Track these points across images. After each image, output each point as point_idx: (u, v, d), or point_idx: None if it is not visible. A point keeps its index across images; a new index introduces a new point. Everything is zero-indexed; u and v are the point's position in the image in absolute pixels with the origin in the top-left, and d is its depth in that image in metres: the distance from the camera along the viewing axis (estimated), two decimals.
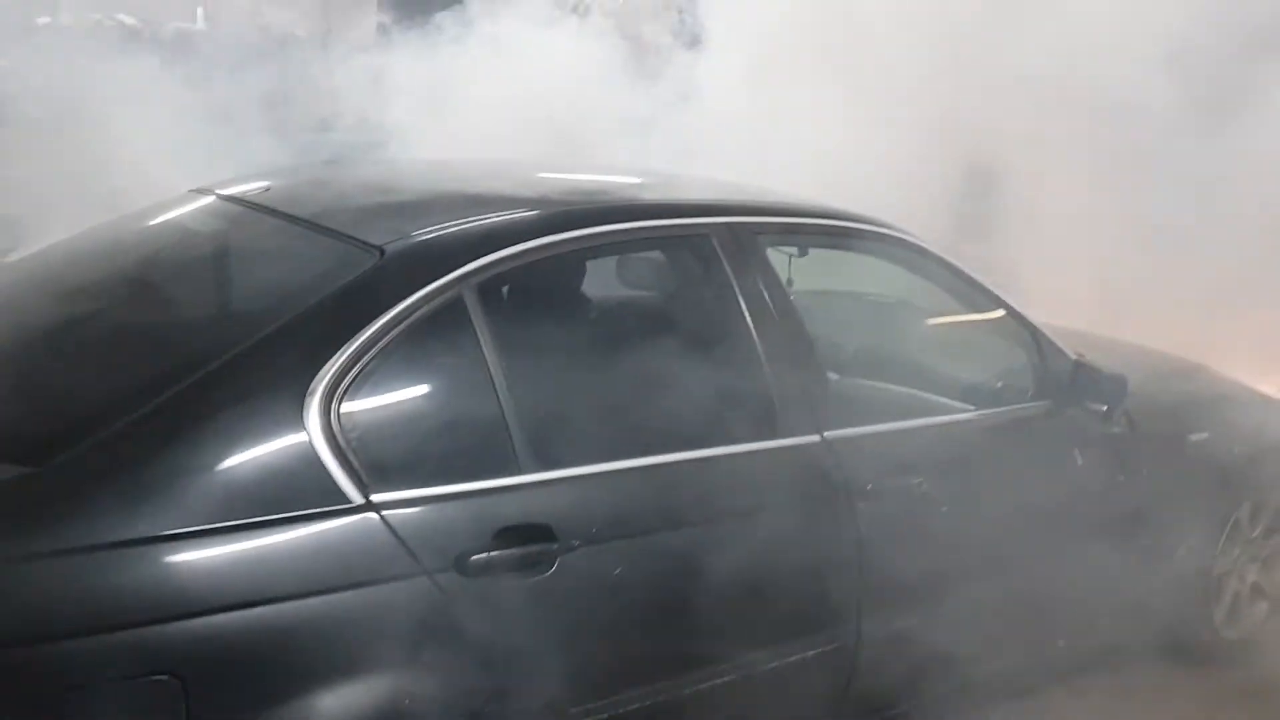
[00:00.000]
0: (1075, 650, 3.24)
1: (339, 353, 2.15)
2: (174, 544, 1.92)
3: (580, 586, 2.27)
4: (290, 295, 2.31)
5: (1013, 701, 3.12)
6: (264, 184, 2.90)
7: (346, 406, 2.12)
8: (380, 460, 2.14)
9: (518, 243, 2.43)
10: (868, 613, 2.70)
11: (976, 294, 3.17)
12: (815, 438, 2.66)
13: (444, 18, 6.61)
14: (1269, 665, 3.66)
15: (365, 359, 2.16)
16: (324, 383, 2.11)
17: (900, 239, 3.04)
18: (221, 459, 2.01)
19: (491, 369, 2.29)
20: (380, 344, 2.19)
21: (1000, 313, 3.18)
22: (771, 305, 2.70)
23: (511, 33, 6.45)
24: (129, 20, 9.16)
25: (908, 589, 2.72)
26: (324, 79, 6.47)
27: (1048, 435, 3.13)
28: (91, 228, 3.05)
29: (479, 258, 2.36)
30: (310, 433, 2.07)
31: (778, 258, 2.92)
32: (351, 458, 2.09)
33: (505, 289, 2.56)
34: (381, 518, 2.09)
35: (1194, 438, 3.43)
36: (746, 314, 2.66)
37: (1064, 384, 3.11)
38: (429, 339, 2.27)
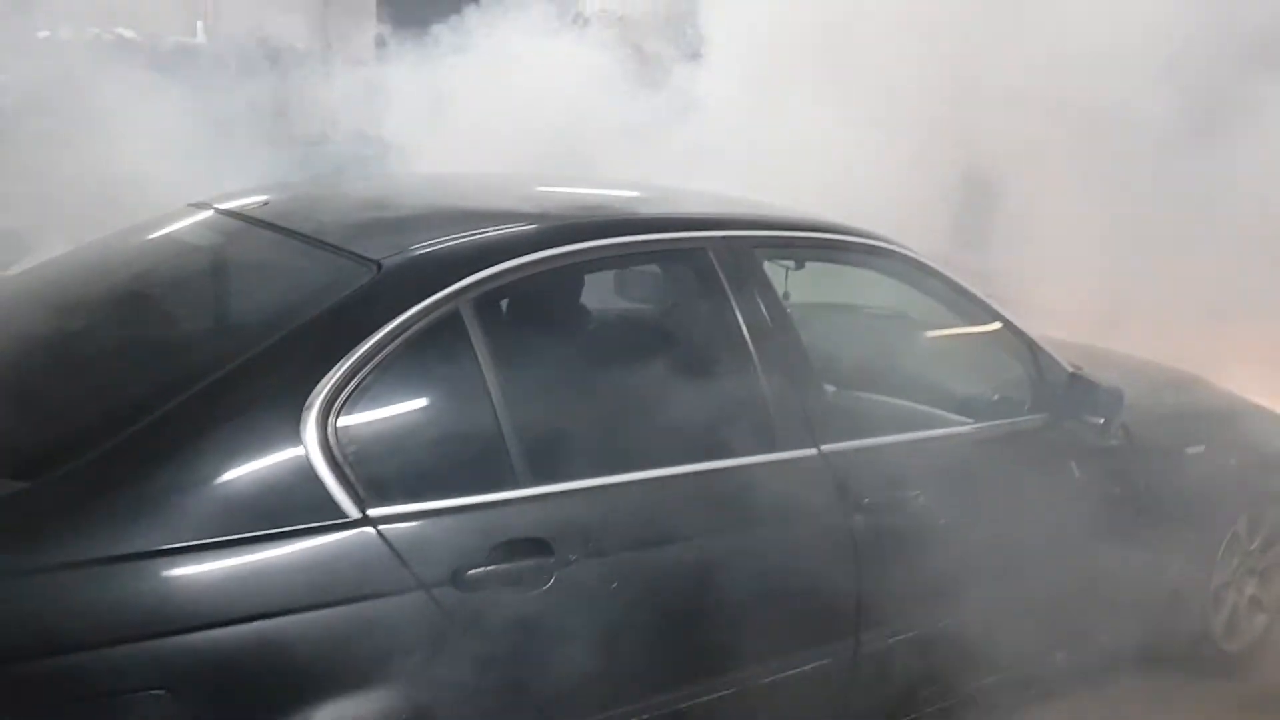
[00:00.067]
0: (1074, 662, 3.24)
1: (336, 367, 2.15)
2: (171, 558, 1.92)
3: (577, 600, 2.27)
4: (288, 309, 2.31)
5: (1012, 714, 3.11)
6: (262, 198, 2.91)
7: (343, 421, 2.12)
8: (377, 474, 2.14)
9: (515, 257, 2.44)
10: (865, 626, 2.70)
11: (973, 307, 3.17)
12: (812, 451, 2.66)
13: (443, 30, 6.63)
14: (1268, 677, 3.66)
15: (362, 373, 2.16)
16: (321, 397, 2.11)
17: (896, 252, 3.05)
18: (219, 473, 2.01)
19: (488, 383, 2.29)
20: (377, 358, 2.19)
21: (997, 325, 3.19)
22: (768, 318, 2.70)
23: (511, 44, 6.47)
24: (129, 34, 9.17)
25: (906, 602, 2.72)
26: (323, 92, 6.49)
27: (1044, 448, 3.12)
28: (90, 242, 3.06)
29: (476, 272, 2.36)
30: (307, 447, 2.07)
31: (774, 271, 2.93)
32: (348, 472, 2.09)
33: (502, 303, 2.57)
34: (378, 532, 2.09)
35: (1191, 450, 3.43)
36: (743, 327, 2.66)
37: (1061, 397, 3.12)
38: (426, 353, 2.27)
